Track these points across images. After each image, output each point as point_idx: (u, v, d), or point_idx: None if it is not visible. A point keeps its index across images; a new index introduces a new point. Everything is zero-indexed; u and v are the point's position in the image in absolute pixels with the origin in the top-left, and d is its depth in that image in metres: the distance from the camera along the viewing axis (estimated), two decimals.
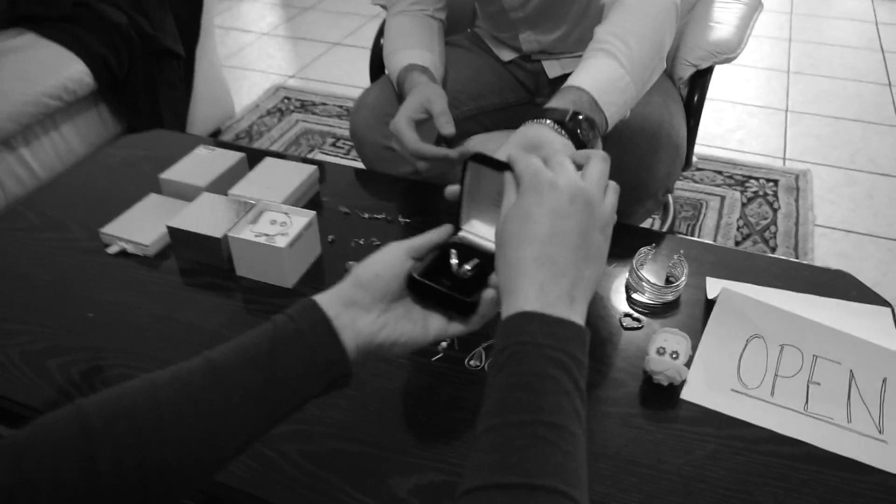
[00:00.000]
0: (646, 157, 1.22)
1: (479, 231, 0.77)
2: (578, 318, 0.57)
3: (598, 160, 0.65)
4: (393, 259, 0.69)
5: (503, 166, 0.68)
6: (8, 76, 1.88)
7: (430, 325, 0.70)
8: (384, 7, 1.48)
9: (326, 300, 0.65)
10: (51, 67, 1.95)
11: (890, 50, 3.24)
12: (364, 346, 0.65)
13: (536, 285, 0.56)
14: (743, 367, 0.94)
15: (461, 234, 0.76)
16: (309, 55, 3.39)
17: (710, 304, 1.03)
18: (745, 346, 0.96)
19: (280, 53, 3.43)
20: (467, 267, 0.72)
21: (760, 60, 3.13)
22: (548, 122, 0.92)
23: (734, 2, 1.64)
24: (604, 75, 1.00)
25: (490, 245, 0.72)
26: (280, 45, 3.53)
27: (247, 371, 0.60)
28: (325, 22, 3.74)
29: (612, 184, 0.66)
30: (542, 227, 0.59)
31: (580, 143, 0.92)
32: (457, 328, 0.71)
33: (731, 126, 2.68)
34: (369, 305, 0.66)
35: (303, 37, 3.59)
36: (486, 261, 0.72)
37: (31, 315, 1.07)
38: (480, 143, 1.45)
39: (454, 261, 0.73)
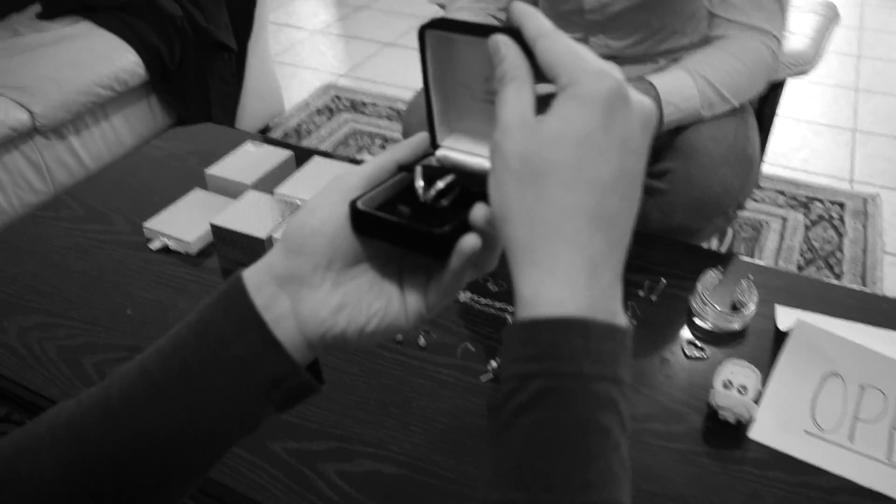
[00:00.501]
0: (718, 168, 1.16)
1: (464, 146, 0.50)
2: (620, 308, 0.38)
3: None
4: (336, 202, 0.45)
5: (486, 30, 0.43)
6: (61, 64, 1.88)
7: (409, 298, 0.48)
8: (441, 6, 1.43)
9: (255, 280, 0.44)
10: (104, 57, 1.95)
11: None
12: (317, 339, 0.45)
13: (586, 264, 0.36)
14: (818, 407, 0.86)
15: (440, 153, 0.50)
16: (361, 54, 3.36)
17: (779, 335, 0.96)
18: (821, 384, 0.88)
19: (332, 51, 3.41)
20: (440, 185, 0.47)
21: (827, 76, 3.01)
22: None
23: (809, 12, 1.56)
24: (672, 79, 1.14)
25: (478, 161, 0.48)
26: (332, 42, 3.51)
27: (152, 408, 0.43)
28: (379, 21, 3.71)
29: None
30: (609, 165, 0.37)
31: None
32: (434, 295, 0.48)
33: (795, 144, 2.57)
34: (313, 278, 0.44)
35: (356, 35, 3.57)
36: (469, 180, 0.48)
37: (69, 309, 1.04)
38: None
39: (420, 183, 0.47)
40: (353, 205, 0.45)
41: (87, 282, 1.09)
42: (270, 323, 0.43)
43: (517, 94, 0.40)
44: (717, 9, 1.18)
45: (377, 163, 0.48)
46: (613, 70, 0.39)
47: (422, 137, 0.50)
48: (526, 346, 0.36)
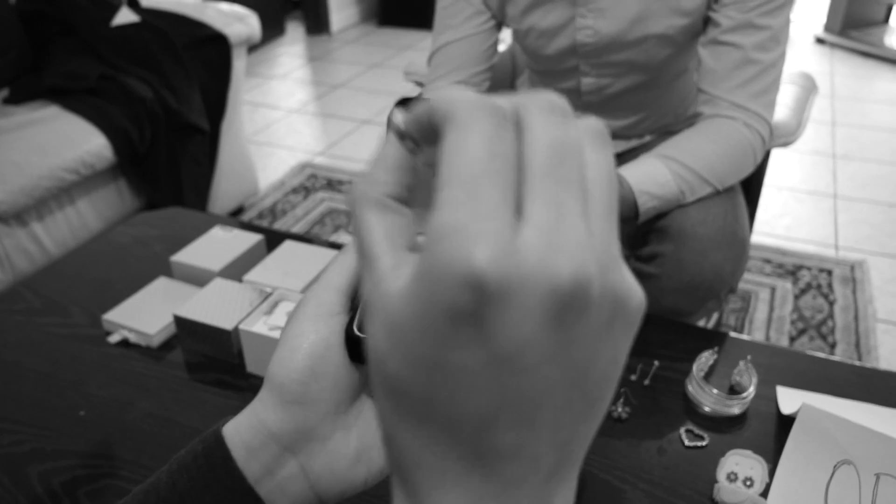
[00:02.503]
0: (709, 253, 1.11)
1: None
2: None
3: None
4: (324, 332, 0.37)
5: None
6: (25, 148, 1.83)
7: None
8: (418, 84, 1.41)
9: (244, 441, 0.37)
10: (70, 140, 1.90)
11: None
12: (334, 496, 0.38)
13: (466, 497, 0.25)
14: (831, 499, 0.80)
15: None
16: (338, 132, 3.35)
17: (782, 419, 0.90)
18: (833, 473, 0.82)
19: (308, 130, 3.40)
20: None
21: (804, 144, 3.03)
22: None
23: (788, 83, 1.55)
24: (643, 168, 1.10)
25: None
26: (309, 121, 3.51)
27: None
28: (356, 100, 3.73)
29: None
30: (484, 397, 0.23)
31: None
32: None
33: (777, 212, 2.56)
34: (322, 429, 0.37)
35: (332, 114, 3.57)
36: None
37: (17, 411, 0.96)
38: None
39: None
40: (352, 336, 0.37)
41: (39, 380, 1.01)
42: (273, 492, 0.36)
43: (369, 275, 0.26)
44: (703, 82, 1.13)
45: (346, 271, 0.39)
46: (496, 228, 0.21)
47: None
48: None
